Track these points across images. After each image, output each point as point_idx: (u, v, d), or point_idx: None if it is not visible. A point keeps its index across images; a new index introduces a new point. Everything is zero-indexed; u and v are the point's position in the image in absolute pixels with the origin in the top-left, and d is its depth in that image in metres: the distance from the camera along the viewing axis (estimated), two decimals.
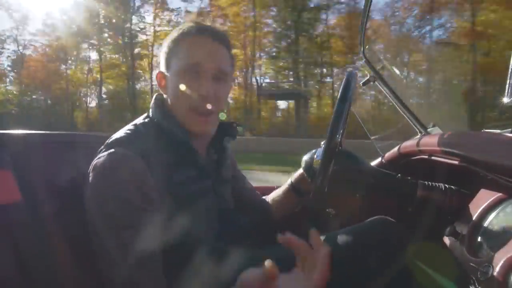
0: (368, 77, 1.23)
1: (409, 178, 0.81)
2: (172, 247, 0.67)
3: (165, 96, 0.79)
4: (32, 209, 0.72)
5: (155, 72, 0.94)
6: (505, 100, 0.87)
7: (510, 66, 0.86)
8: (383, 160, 1.08)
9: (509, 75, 0.86)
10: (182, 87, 0.71)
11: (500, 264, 0.51)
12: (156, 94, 0.81)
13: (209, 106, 0.72)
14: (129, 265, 0.63)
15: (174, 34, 0.76)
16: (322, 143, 0.88)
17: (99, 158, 0.68)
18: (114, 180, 0.65)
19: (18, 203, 0.71)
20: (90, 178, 0.67)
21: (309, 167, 0.91)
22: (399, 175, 0.82)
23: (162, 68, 0.78)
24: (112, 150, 0.67)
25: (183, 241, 0.70)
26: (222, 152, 0.86)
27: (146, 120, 0.77)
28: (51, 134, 0.90)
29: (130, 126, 0.75)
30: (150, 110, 0.78)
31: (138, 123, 0.77)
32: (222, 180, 0.85)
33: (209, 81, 0.72)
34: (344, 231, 0.84)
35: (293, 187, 0.98)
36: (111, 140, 0.71)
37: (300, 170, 0.96)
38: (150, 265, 0.65)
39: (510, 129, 0.82)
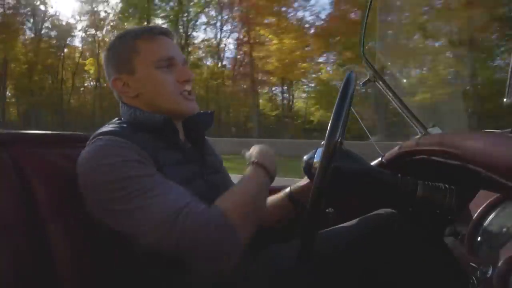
0: (368, 77, 1.23)
1: (409, 178, 0.81)
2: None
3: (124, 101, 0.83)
4: (32, 209, 0.72)
5: None
6: (505, 100, 0.87)
7: (510, 66, 0.85)
8: (383, 160, 1.08)
9: (509, 75, 0.86)
10: (166, 78, 0.79)
11: (500, 264, 0.51)
12: (120, 101, 0.84)
13: (190, 87, 0.82)
14: (170, 200, 0.64)
15: (124, 39, 0.81)
16: (322, 143, 0.88)
17: (84, 150, 0.71)
18: (104, 153, 0.67)
19: (18, 203, 0.71)
20: (80, 168, 0.69)
21: (309, 167, 0.91)
22: (399, 175, 0.82)
23: (118, 74, 0.81)
24: (96, 139, 0.71)
25: None
26: (200, 139, 0.89)
27: (120, 120, 0.82)
28: (51, 134, 0.90)
29: (107, 125, 0.79)
30: (122, 115, 0.82)
31: (115, 121, 0.81)
32: (212, 169, 0.87)
33: (183, 68, 0.82)
34: (349, 225, 0.85)
35: (291, 196, 0.97)
36: (94, 135, 0.74)
37: (303, 181, 0.95)
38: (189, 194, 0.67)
39: (510, 129, 0.82)
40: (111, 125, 0.79)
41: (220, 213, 0.65)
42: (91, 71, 21.90)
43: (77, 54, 21.88)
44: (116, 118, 0.85)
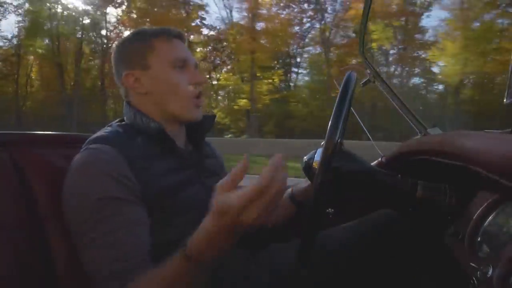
0: (368, 77, 1.23)
1: (409, 178, 0.81)
2: (157, 240, 0.67)
3: (132, 97, 0.82)
4: (32, 209, 0.72)
5: None
6: (505, 100, 0.87)
7: (510, 66, 0.86)
8: (383, 160, 1.08)
9: (509, 76, 0.86)
10: (180, 78, 0.79)
11: (500, 264, 0.51)
12: (126, 100, 0.84)
13: (200, 90, 0.83)
14: (111, 259, 0.62)
15: (141, 36, 0.81)
16: (322, 143, 0.88)
17: (74, 159, 0.70)
18: (87, 174, 0.66)
19: (18, 203, 0.71)
20: (66, 177, 0.69)
21: (308, 167, 0.91)
22: (399, 175, 0.82)
23: (131, 69, 0.80)
24: (88, 146, 0.71)
25: (169, 236, 0.70)
26: (200, 143, 0.88)
27: (120, 123, 0.82)
28: (51, 134, 0.90)
29: (106, 127, 0.79)
30: (124, 115, 0.82)
31: (114, 124, 0.81)
32: (209, 172, 0.86)
33: (196, 71, 0.83)
34: (349, 225, 0.85)
35: (293, 196, 0.96)
36: (88, 139, 0.74)
37: (305, 183, 0.95)
38: (136, 257, 0.63)
39: (510, 129, 0.82)
40: (109, 129, 0.78)
41: None
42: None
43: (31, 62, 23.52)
44: (118, 119, 0.84)
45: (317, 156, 0.87)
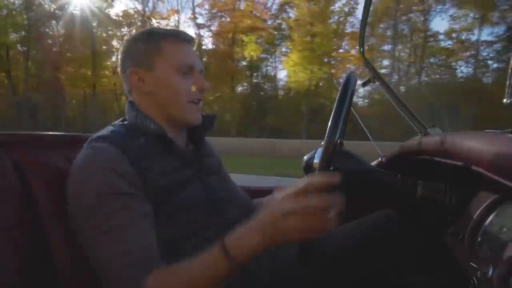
0: (368, 78, 1.23)
1: (409, 178, 0.81)
2: (159, 238, 0.67)
3: (134, 97, 0.83)
4: (32, 210, 0.72)
5: None
6: (505, 100, 0.87)
7: (510, 66, 0.86)
8: (383, 160, 1.08)
9: (509, 76, 0.86)
10: (183, 84, 0.80)
11: (500, 264, 0.51)
12: (129, 100, 0.84)
13: (202, 96, 0.84)
14: (121, 253, 0.62)
15: (150, 36, 0.81)
16: (322, 143, 0.88)
17: (77, 158, 0.71)
18: (92, 170, 0.67)
19: (18, 204, 0.71)
20: (70, 176, 0.70)
21: (308, 167, 0.91)
22: (399, 175, 0.82)
23: (136, 67, 0.80)
24: (90, 145, 0.71)
25: (170, 234, 0.71)
26: (200, 142, 0.89)
27: (123, 122, 0.82)
28: (51, 135, 0.90)
29: (108, 127, 0.80)
30: (126, 114, 0.82)
31: (115, 124, 0.81)
32: (209, 171, 0.86)
33: (201, 77, 0.83)
34: (349, 225, 0.85)
35: None
36: (90, 138, 0.74)
37: (305, 179, 0.95)
38: (147, 248, 0.64)
39: (510, 129, 0.82)
40: (111, 128, 0.78)
41: None
42: None
43: None
44: (121, 119, 0.85)
45: (317, 156, 0.87)
